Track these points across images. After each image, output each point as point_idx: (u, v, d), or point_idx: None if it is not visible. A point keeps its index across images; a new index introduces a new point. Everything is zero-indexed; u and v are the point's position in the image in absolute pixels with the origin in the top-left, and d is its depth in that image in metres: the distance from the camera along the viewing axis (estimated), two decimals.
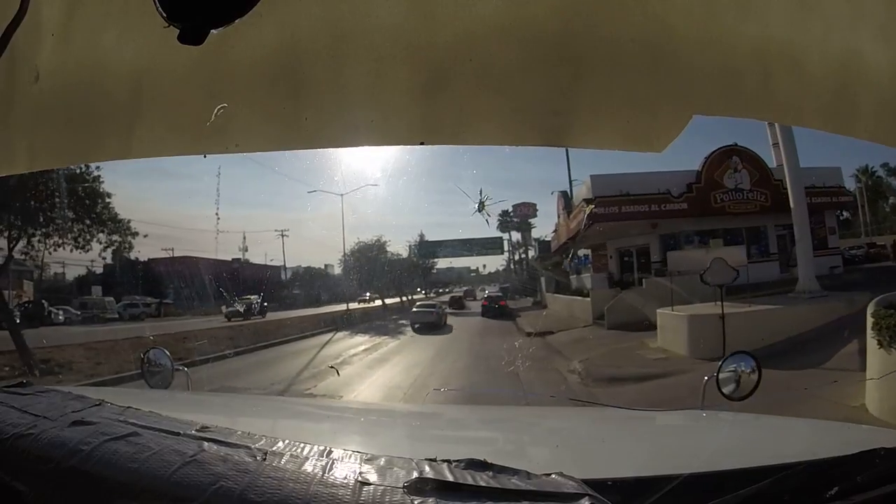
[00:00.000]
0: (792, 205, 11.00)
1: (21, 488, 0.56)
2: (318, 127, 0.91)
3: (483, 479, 0.52)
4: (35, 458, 0.58)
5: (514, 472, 0.54)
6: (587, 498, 0.49)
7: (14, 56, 0.81)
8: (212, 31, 0.58)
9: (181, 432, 0.64)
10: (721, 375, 1.53)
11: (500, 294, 22.66)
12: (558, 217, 20.74)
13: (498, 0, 0.79)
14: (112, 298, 22.59)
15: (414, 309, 17.12)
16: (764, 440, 1.16)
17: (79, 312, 20.98)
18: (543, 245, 25.14)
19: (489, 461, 0.56)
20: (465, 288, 32.28)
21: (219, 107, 0.84)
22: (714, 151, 14.39)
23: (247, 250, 30.81)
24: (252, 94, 0.88)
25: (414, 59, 0.83)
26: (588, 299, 14.92)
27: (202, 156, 1.03)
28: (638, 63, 0.82)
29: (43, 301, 19.48)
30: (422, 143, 0.93)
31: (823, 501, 0.58)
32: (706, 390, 1.53)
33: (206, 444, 0.60)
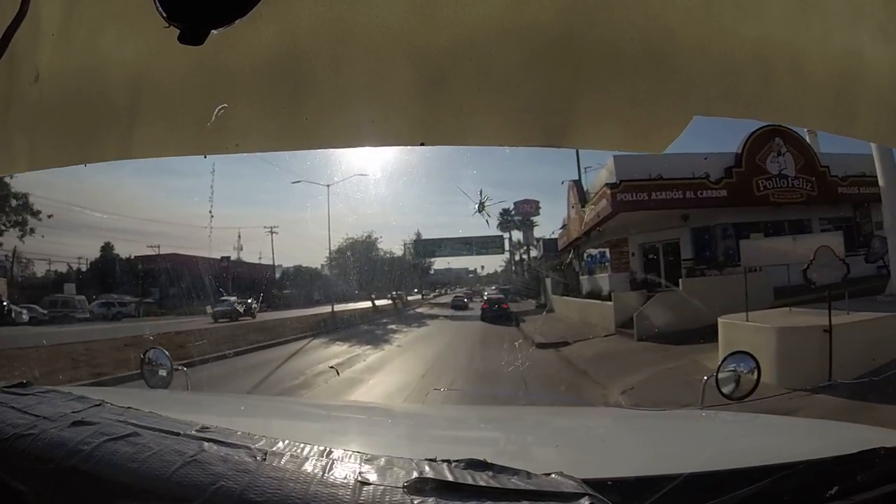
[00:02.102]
0: (881, 184, 9.15)
1: (21, 488, 0.56)
2: (318, 127, 0.91)
3: (483, 479, 0.52)
4: (35, 458, 0.58)
5: (514, 472, 0.54)
6: (587, 498, 0.49)
7: (14, 56, 0.81)
8: (212, 31, 0.58)
9: (181, 432, 0.64)
10: (720, 375, 1.53)
11: (501, 296, 20.76)
12: (569, 210, 18.19)
13: (498, 0, 0.79)
14: (83, 297, 21.32)
15: (453, 296, 25.83)
16: (764, 440, 1.16)
17: (45, 312, 19.56)
18: (549, 243, 23.10)
19: (489, 461, 0.56)
20: (463, 290, 31.62)
21: (219, 107, 0.84)
22: (755, 131, 12.17)
23: (242, 249, 30.36)
24: (252, 94, 0.88)
25: (414, 59, 0.83)
26: (609, 303, 12.31)
27: (202, 156, 1.03)
28: (638, 63, 0.82)
29: (1, 300, 18.12)
30: (422, 144, 0.93)
31: (823, 501, 0.59)
32: (706, 390, 1.53)
33: (206, 444, 0.60)
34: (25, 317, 18.46)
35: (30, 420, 0.65)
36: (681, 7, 0.79)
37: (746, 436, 1.24)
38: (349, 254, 22.26)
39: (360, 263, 21.83)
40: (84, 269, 25.06)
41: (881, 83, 0.86)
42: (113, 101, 0.91)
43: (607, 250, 16.09)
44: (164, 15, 0.56)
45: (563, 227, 20.12)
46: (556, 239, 21.93)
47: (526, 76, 0.84)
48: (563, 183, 18.42)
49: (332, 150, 1.00)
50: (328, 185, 18.99)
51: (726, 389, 1.51)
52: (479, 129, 0.92)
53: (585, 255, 18.22)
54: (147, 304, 23.53)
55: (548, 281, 21.03)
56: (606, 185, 12.65)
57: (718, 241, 12.83)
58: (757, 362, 1.53)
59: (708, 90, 0.85)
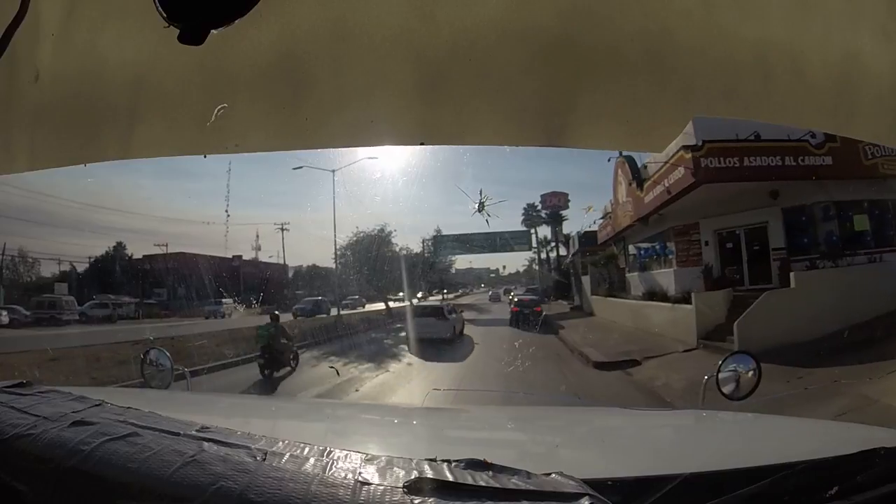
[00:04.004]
0: None
1: (21, 488, 0.56)
2: (318, 126, 0.91)
3: (483, 479, 0.52)
4: (35, 458, 0.58)
5: (514, 471, 0.54)
6: (587, 498, 0.49)
7: (14, 56, 0.81)
8: (212, 31, 0.58)
9: (181, 432, 0.64)
10: (721, 375, 1.53)
11: (534, 297, 17.68)
12: (616, 194, 14.91)
13: (498, 1, 0.79)
14: (72, 298, 19.96)
15: (491, 291, 28.53)
16: (764, 440, 1.16)
17: (28, 313, 18.19)
18: (586, 237, 19.42)
19: (489, 461, 0.56)
20: (486, 288, 32.31)
21: (219, 107, 0.84)
22: None
23: (260, 248, 29.63)
24: (252, 94, 0.88)
25: (414, 60, 0.83)
26: (687, 307, 9.47)
27: (202, 156, 1.03)
28: (638, 63, 0.82)
29: None
30: (422, 144, 0.93)
31: (823, 501, 0.59)
32: (706, 390, 1.53)
33: (205, 444, 0.60)
34: (5, 318, 17.29)
35: (30, 420, 0.65)
36: (680, 8, 0.79)
37: (746, 436, 1.24)
38: (349, 253, 19.97)
39: (372, 261, 19.17)
40: (86, 268, 24.55)
41: (881, 83, 0.86)
42: (113, 101, 0.91)
43: (671, 240, 12.64)
44: (164, 15, 0.56)
45: (605, 215, 16.89)
46: (594, 231, 18.46)
47: (526, 77, 0.84)
48: (609, 160, 14.88)
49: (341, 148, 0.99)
50: (333, 171, 16.85)
51: (726, 389, 1.51)
52: (479, 129, 0.92)
53: (636, 247, 15.06)
54: (148, 306, 22.58)
55: (585, 279, 18.13)
56: (684, 148, 9.40)
57: (818, 224, 9.71)
58: (757, 362, 1.53)
59: (708, 90, 0.85)
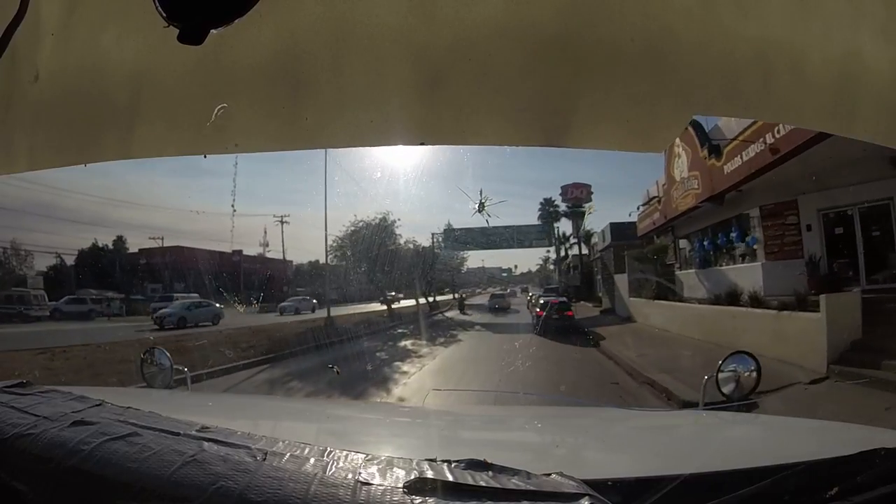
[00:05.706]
0: None
1: (21, 488, 0.56)
2: (318, 127, 0.91)
3: (483, 479, 0.52)
4: (35, 458, 0.58)
5: (514, 472, 0.54)
6: (587, 498, 0.49)
7: (14, 56, 0.81)
8: (212, 31, 0.58)
9: (181, 432, 0.64)
10: (721, 375, 1.53)
11: (564, 300, 15.11)
12: (671, 171, 12.20)
13: (498, 0, 0.79)
14: (43, 292, 18.95)
15: (509, 289, 36.54)
16: (764, 440, 1.16)
17: None
18: (621, 229, 17.30)
19: (489, 461, 0.56)
20: (506, 289, 33.61)
21: (219, 107, 0.84)
22: None
23: (268, 245, 29.22)
24: (252, 94, 0.88)
25: (414, 59, 0.83)
26: (811, 316, 6.62)
27: (202, 156, 1.03)
28: (638, 63, 0.82)
29: None
30: (422, 144, 0.93)
31: (823, 501, 0.59)
32: (706, 390, 1.53)
33: (206, 444, 0.60)
34: None
35: (30, 420, 0.65)
36: (681, 7, 0.79)
37: (746, 436, 1.24)
38: (363, 241, 17.21)
39: (373, 254, 16.72)
40: (73, 262, 23.68)
41: (881, 83, 0.86)
42: (113, 101, 0.91)
43: (757, 225, 9.65)
44: (164, 15, 0.56)
45: (649, 201, 14.47)
46: (632, 223, 16.40)
47: (526, 76, 0.84)
48: None
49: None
50: (325, 150, 16.08)
51: (726, 389, 1.51)
52: (479, 129, 0.92)
53: (695, 238, 12.33)
54: (136, 302, 21.56)
55: (619, 278, 15.97)
56: None
57: None
58: (757, 362, 1.53)
59: (708, 90, 0.85)
